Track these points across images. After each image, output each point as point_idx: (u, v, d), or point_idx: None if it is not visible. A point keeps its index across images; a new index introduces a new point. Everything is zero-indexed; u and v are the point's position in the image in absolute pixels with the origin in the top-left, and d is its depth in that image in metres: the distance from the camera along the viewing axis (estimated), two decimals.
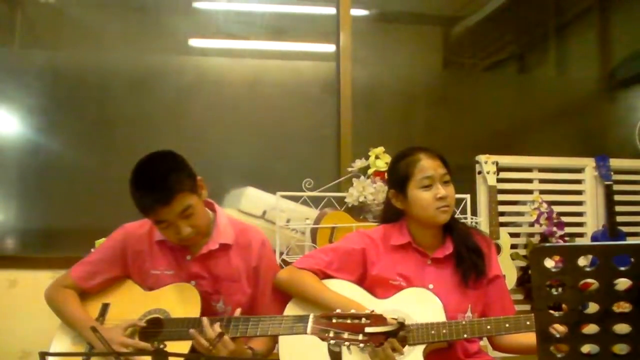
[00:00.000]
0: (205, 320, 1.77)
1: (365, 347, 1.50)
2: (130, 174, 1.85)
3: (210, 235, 1.97)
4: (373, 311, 1.75)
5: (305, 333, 1.59)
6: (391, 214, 2.03)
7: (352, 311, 1.53)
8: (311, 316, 1.57)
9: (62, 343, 1.93)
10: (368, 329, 1.46)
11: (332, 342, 1.48)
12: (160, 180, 1.81)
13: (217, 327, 1.75)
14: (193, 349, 1.78)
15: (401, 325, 1.50)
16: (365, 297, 1.91)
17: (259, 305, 1.99)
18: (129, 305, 1.94)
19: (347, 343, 1.47)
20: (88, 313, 1.94)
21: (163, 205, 1.79)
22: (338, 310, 1.54)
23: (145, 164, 1.88)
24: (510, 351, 1.95)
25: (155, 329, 1.87)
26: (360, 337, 1.46)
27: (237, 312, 1.83)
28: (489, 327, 1.79)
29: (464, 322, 1.80)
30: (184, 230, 1.84)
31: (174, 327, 1.85)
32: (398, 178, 1.95)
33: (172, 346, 1.70)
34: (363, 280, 1.96)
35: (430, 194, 1.88)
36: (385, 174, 2.81)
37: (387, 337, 1.47)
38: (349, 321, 1.48)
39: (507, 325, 1.78)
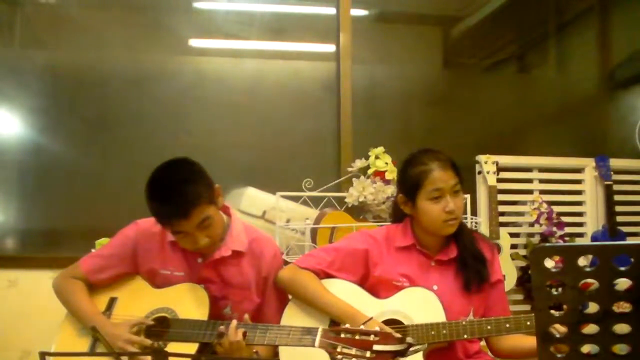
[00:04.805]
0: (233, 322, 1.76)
1: None
2: (146, 184, 1.81)
3: (224, 241, 1.95)
4: (372, 318, 1.75)
5: (313, 346, 1.59)
6: (399, 214, 2.02)
7: (362, 327, 1.53)
8: (320, 329, 1.57)
9: (67, 336, 1.92)
10: (376, 347, 1.45)
11: (339, 357, 1.47)
12: (178, 193, 1.76)
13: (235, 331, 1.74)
14: (199, 351, 1.77)
15: (409, 345, 1.50)
16: (366, 297, 1.90)
17: (265, 315, 1.98)
18: (137, 301, 1.93)
19: (354, 359, 1.47)
20: (96, 306, 1.93)
21: (181, 218, 1.77)
22: (347, 325, 1.54)
23: (161, 174, 1.83)
24: (510, 355, 1.93)
25: (161, 328, 1.86)
26: (368, 354, 1.44)
27: (246, 317, 1.82)
28: (489, 327, 1.78)
29: (464, 323, 1.80)
30: (201, 240, 1.83)
31: (180, 328, 1.84)
32: (408, 185, 1.92)
33: (178, 347, 1.70)
34: (365, 281, 1.95)
35: (439, 206, 1.86)
36: (385, 174, 2.82)
37: (395, 356, 1.47)
38: (357, 337, 1.48)
39: (507, 325, 1.77)
